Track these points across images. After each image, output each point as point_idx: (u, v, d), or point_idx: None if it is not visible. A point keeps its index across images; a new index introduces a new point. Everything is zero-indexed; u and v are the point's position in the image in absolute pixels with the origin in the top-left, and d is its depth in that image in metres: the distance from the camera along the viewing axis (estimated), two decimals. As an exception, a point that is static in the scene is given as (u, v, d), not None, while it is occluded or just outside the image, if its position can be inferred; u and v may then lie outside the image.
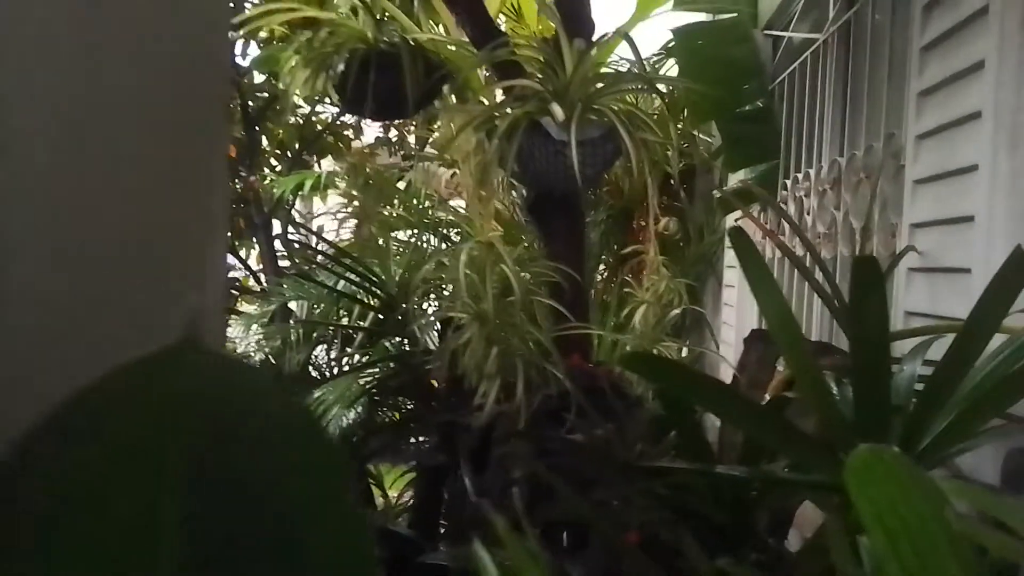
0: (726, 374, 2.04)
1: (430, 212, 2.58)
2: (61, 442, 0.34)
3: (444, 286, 2.42)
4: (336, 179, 4.09)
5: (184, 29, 0.52)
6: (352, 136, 4.74)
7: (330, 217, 4.58)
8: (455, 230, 3.42)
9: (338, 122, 4.43)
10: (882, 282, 0.77)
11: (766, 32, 3.25)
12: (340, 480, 0.38)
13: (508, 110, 1.58)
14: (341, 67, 1.58)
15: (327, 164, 4.66)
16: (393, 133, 4.66)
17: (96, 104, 0.47)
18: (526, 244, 1.73)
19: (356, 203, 2.33)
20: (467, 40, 1.85)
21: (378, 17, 1.73)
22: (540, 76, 1.60)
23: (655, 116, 2.96)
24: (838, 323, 1.17)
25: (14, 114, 0.44)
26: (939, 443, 0.75)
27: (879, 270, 0.76)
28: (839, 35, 2.54)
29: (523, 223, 1.68)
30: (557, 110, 1.42)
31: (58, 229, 0.46)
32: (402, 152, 4.60)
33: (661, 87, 1.69)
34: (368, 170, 2.03)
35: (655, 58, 3.89)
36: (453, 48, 1.73)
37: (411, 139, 4.71)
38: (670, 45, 3.75)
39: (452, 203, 3.92)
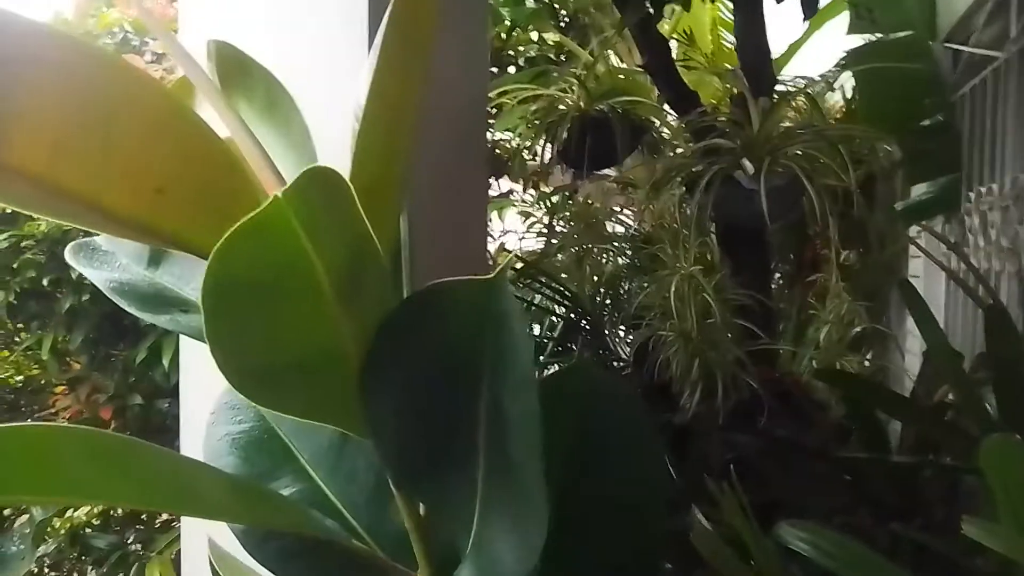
0: (908, 385, 2.20)
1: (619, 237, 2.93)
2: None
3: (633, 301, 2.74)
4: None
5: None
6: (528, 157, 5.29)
7: (514, 235, 5.13)
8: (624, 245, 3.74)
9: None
10: (1011, 324, 1.01)
11: (946, 45, 3.30)
12: (660, 459, 0.74)
13: (701, 166, 1.87)
14: (565, 135, 1.97)
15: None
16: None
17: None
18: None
19: (563, 233, 2.74)
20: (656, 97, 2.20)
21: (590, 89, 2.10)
22: (728, 131, 1.90)
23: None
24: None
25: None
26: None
27: (1009, 317, 1.00)
28: (1021, 55, 2.60)
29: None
30: (748, 165, 1.72)
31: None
32: (573, 170, 5.07)
33: (837, 135, 1.94)
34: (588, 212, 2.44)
35: (830, 73, 3.99)
36: (655, 114, 2.09)
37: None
38: (843, 62, 3.85)
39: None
